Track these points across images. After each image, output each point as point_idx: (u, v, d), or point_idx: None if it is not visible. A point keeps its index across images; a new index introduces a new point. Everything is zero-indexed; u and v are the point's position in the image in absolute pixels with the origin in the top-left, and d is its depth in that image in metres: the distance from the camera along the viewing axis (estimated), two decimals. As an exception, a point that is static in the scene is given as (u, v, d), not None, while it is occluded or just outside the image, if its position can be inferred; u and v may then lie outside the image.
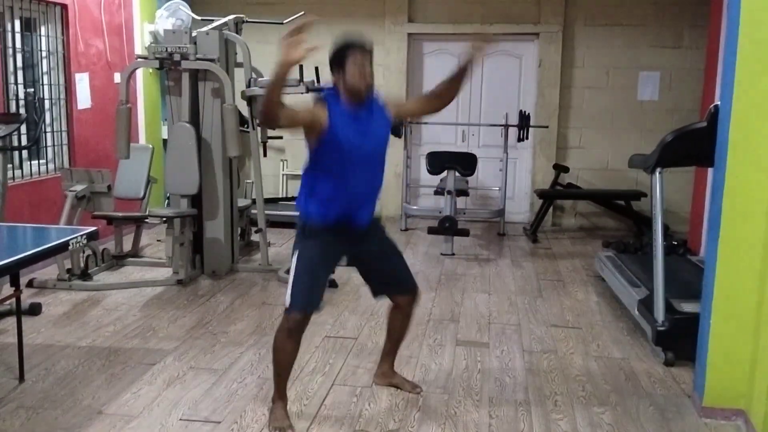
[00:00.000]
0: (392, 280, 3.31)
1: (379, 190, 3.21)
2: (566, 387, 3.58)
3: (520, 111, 7.32)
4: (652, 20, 7.57)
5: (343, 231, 3.07)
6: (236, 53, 5.74)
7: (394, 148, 7.74)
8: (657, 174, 4.01)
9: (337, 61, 3.01)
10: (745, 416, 3.21)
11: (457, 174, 6.78)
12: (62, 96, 6.15)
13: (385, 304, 4.89)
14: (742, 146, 3.11)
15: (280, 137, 7.69)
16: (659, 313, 3.93)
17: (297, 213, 3.14)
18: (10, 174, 5.22)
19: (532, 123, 7.42)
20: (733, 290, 3.19)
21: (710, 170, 4.65)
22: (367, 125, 3.04)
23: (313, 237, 3.05)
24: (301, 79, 5.44)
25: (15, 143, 5.31)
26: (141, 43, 6.98)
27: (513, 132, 7.33)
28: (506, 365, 3.87)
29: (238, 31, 5.79)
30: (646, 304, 4.15)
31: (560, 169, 7.67)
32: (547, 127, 7.70)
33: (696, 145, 3.75)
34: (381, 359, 3.56)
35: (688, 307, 3.94)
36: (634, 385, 3.63)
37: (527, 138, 7.34)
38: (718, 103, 3.37)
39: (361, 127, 3.02)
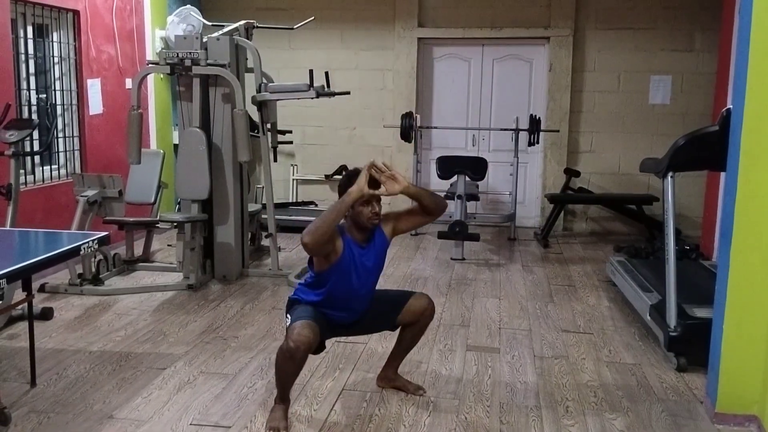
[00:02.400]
0: (391, 307, 3.33)
1: (373, 296, 3.31)
2: (578, 393, 3.56)
3: (531, 115, 7.30)
4: (663, 24, 7.54)
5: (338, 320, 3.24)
6: (247, 58, 5.76)
7: (405, 153, 7.81)
8: (669, 178, 3.99)
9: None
10: (758, 422, 3.18)
11: (467, 178, 6.77)
12: (74, 102, 6.19)
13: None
14: (754, 150, 3.08)
15: (290, 142, 7.74)
16: (671, 318, 3.91)
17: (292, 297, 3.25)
18: (22, 179, 5.26)
19: (542, 127, 7.41)
20: (746, 295, 3.16)
21: (722, 174, 4.62)
22: (368, 261, 3.16)
23: (309, 305, 3.15)
24: (311, 84, 5.46)
25: (27, 149, 5.35)
26: (152, 48, 7.02)
27: (524, 136, 7.31)
28: (517, 371, 3.85)
29: (248, 36, 5.81)
30: (658, 310, 4.12)
31: (571, 173, 7.64)
32: (557, 131, 7.69)
33: (708, 149, 3.72)
34: (386, 364, 3.57)
35: (700, 312, 3.91)
36: (646, 390, 3.60)
37: (538, 142, 7.33)
38: (731, 106, 3.34)
39: (364, 264, 3.14)
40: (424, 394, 3.47)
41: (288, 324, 3.07)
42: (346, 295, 3.16)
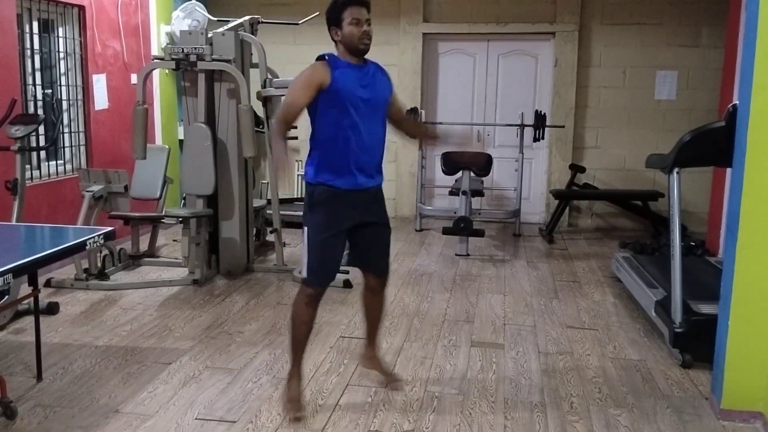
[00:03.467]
0: (374, 257, 3.31)
1: (383, 150, 3.22)
2: (582, 389, 3.56)
3: (536, 111, 7.29)
4: (669, 19, 7.51)
5: (350, 197, 3.08)
6: (252, 54, 5.76)
7: (409, 149, 7.80)
8: (674, 174, 3.98)
9: (334, 17, 3.06)
10: (763, 419, 3.18)
11: (472, 174, 6.76)
12: (79, 97, 6.20)
13: (400, 304, 4.90)
14: (760, 146, 3.07)
15: (295, 137, 7.73)
16: (677, 314, 3.90)
17: (306, 183, 3.20)
18: (28, 174, 5.27)
19: (548, 123, 7.38)
20: (752, 291, 3.15)
21: (728, 170, 4.61)
22: (368, 80, 3.09)
23: (322, 207, 3.08)
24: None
25: (33, 144, 5.37)
26: (157, 44, 7.03)
27: (529, 132, 7.29)
28: (522, 366, 3.85)
29: (253, 31, 5.81)
30: (664, 306, 4.12)
31: (576, 169, 7.62)
32: (563, 126, 7.67)
33: (714, 145, 3.71)
34: (365, 343, 3.60)
35: (706, 308, 3.90)
36: (651, 387, 3.60)
37: (543, 138, 7.31)
38: (737, 102, 3.33)
39: (363, 82, 3.07)
40: (401, 387, 3.48)
41: (305, 258, 3.09)
42: (351, 123, 3.02)
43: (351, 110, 3.01)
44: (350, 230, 3.20)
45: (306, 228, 3.11)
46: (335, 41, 3.10)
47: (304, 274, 3.13)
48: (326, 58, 3.08)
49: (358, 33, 3.02)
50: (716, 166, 5.60)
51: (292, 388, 3.23)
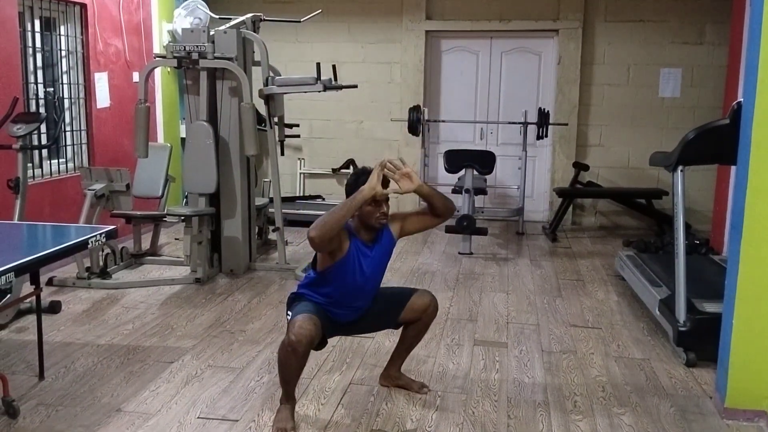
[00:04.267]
0: (394, 305, 3.30)
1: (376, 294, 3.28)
2: (586, 388, 3.55)
3: (540, 108, 7.27)
4: (673, 16, 7.48)
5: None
6: (254, 52, 5.74)
7: (412, 147, 7.79)
8: (679, 172, 3.96)
9: (354, 191, 3.01)
10: (767, 418, 3.17)
11: (475, 172, 6.74)
12: (81, 95, 6.19)
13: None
14: (765, 144, 3.06)
15: (297, 136, 7.73)
16: (681, 313, 3.89)
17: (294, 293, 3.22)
18: (30, 173, 5.27)
19: (551, 120, 7.37)
20: (757, 290, 3.14)
21: (733, 168, 4.59)
22: (374, 261, 3.12)
23: (312, 302, 3.13)
24: (319, 78, 5.45)
25: (35, 142, 5.36)
26: (159, 42, 7.02)
27: (532, 130, 7.27)
28: (525, 365, 3.83)
29: (255, 29, 5.80)
30: (668, 304, 4.10)
31: (580, 167, 7.61)
32: (566, 124, 7.65)
33: (718, 143, 3.69)
34: (389, 362, 3.52)
35: (710, 307, 3.88)
36: (654, 385, 3.58)
37: (546, 136, 7.29)
38: (741, 100, 3.31)
39: (368, 264, 3.10)
40: (429, 392, 3.45)
41: (289, 319, 3.05)
42: (348, 294, 3.13)
43: (351, 285, 3.10)
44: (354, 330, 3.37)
45: (290, 312, 3.10)
46: (353, 215, 3.04)
47: (290, 318, 3.04)
48: (347, 228, 3.08)
49: (375, 212, 3.03)
50: (720, 164, 5.57)
51: (284, 408, 3.10)
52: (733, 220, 3.29)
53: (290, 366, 2.98)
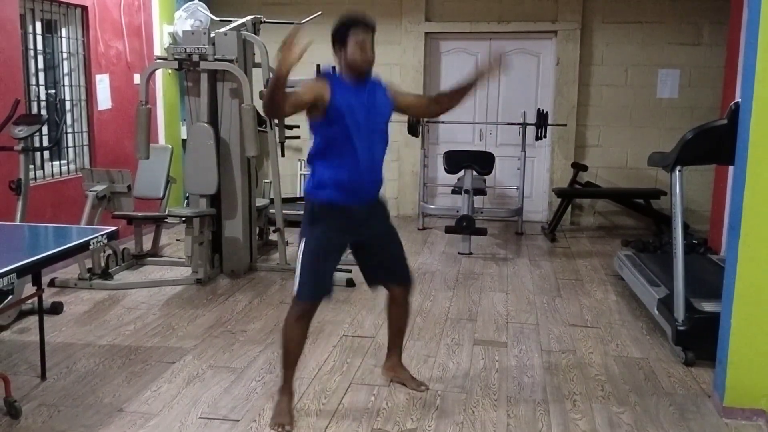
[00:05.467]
0: (389, 269, 3.32)
1: (382, 167, 3.21)
2: (585, 386, 3.57)
3: (538, 109, 7.29)
4: (671, 17, 7.51)
5: (350, 211, 3.08)
6: (254, 53, 5.76)
7: (412, 148, 7.81)
8: (677, 172, 3.98)
9: (339, 38, 3.07)
10: (766, 416, 3.18)
11: (474, 173, 6.76)
12: (83, 97, 6.21)
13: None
14: (762, 144, 3.07)
15: (298, 137, 7.74)
16: (679, 312, 3.90)
17: (305, 199, 3.18)
18: (32, 174, 5.29)
19: (550, 121, 7.39)
20: (755, 289, 3.15)
21: (731, 168, 4.61)
22: (368, 99, 3.08)
23: (321, 222, 3.08)
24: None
25: (37, 144, 5.38)
26: (160, 44, 7.04)
27: (531, 130, 7.29)
28: (524, 364, 3.85)
29: (256, 31, 5.82)
30: (666, 304, 4.12)
31: (579, 167, 7.63)
32: (565, 125, 7.67)
33: (716, 143, 3.71)
34: (388, 352, 3.58)
35: (708, 306, 3.90)
36: (653, 384, 3.60)
37: (545, 136, 7.31)
38: (739, 100, 3.33)
39: (363, 101, 3.06)
40: (427, 390, 3.47)
41: (298, 270, 3.07)
42: (353, 141, 3.02)
43: (350, 129, 3.01)
44: (356, 249, 3.27)
45: (303, 243, 3.10)
46: (338, 60, 3.10)
47: (295, 288, 3.07)
48: (326, 74, 3.11)
49: (361, 55, 3.04)
50: (718, 164, 5.59)
51: (282, 402, 3.14)
52: (731, 220, 3.31)
53: (294, 339, 3.09)
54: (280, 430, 3.04)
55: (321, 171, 3.09)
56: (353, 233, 3.16)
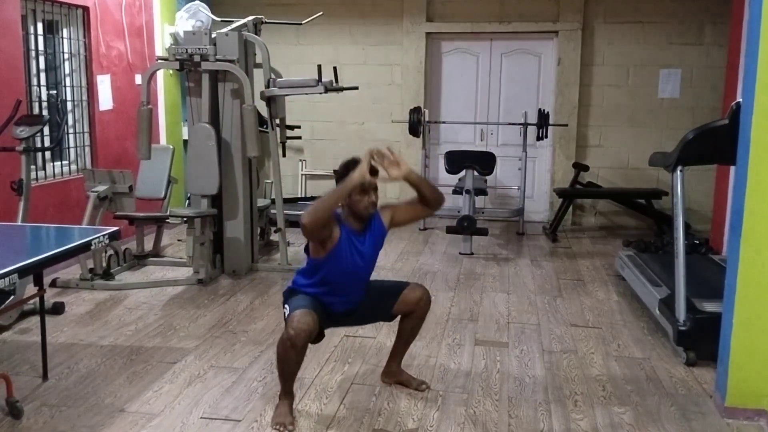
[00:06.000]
0: (387, 297, 3.34)
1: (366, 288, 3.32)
2: (586, 387, 3.57)
3: (539, 109, 7.29)
4: (672, 17, 7.50)
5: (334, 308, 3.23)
6: (255, 54, 5.77)
7: (413, 148, 7.81)
8: (678, 172, 3.98)
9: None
10: (767, 417, 3.17)
11: (475, 173, 6.76)
12: (84, 97, 6.22)
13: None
14: (764, 144, 3.07)
15: (299, 137, 7.76)
16: (681, 312, 3.90)
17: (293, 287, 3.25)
18: (33, 175, 5.30)
19: (551, 121, 7.39)
20: (756, 289, 3.15)
21: (732, 168, 4.60)
22: (364, 249, 3.16)
23: (302, 296, 3.15)
24: (320, 80, 5.47)
25: (38, 144, 5.39)
26: (161, 44, 7.04)
27: (532, 131, 7.29)
28: (526, 365, 3.85)
29: (257, 32, 5.82)
30: (668, 304, 4.12)
31: (580, 167, 7.62)
32: (566, 125, 7.66)
33: (718, 143, 3.71)
34: (389, 358, 3.57)
35: (710, 306, 3.90)
36: (655, 385, 3.60)
37: (546, 137, 7.31)
38: (740, 100, 3.33)
39: (360, 252, 3.14)
40: (429, 390, 3.47)
41: (287, 313, 3.08)
42: (342, 282, 3.16)
43: (345, 273, 3.13)
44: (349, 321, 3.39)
45: (287, 306, 3.12)
46: (342, 204, 3.10)
47: (287, 314, 3.07)
48: (336, 217, 3.12)
49: (363, 202, 3.07)
50: (720, 164, 5.59)
51: (282, 403, 3.17)
52: (733, 220, 3.31)
53: (289, 360, 3.03)
54: (281, 429, 3.04)
55: (313, 282, 3.17)
56: (337, 316, 3.28)
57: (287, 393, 3.16)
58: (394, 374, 3.54)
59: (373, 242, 3.20)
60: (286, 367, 3.07)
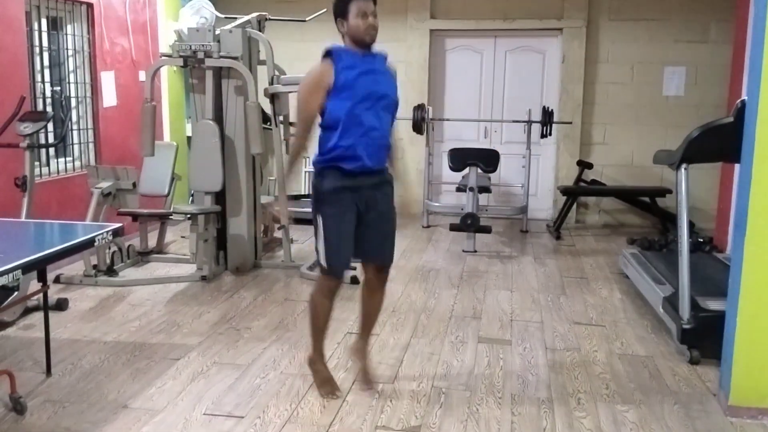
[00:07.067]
0: (373, 246, 3.29)
1: (390, 139, 3.26)
2: (589, 385, 3.56)
3: (544, 107, 7.27)
4: (677, 14, 7.48)
5: (357, 178, 3.12)
6: (259, 51, 5.77)
7: (416, 146, 7.80)
8: (682, 170, 3.96)
9: (340, 10, 3.10)
10: (772, 416, 3.17)
11: (479, 171, 6.75)
12: (88, 94, 6.22)
13: (407, 300, 4.90)
14: (769, 142, 3.06)
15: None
16: (684, 310, 3.89)
17: (314, 167, 3.22)
18: (37, 171, 5.30)
19: (555, 119, 7.37)
20: (760, 287, 3.14)
21: (737, 166, 4.59)
22: (372, 70, 3.14)
23: (331, 193, 3.12)
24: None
25: (42, 141, 5.39)
26: (165, 41, 7.05)
27: (536, 128, 7.28)
28: (529, 363, 3.85)
29: (261, 28, 5.82)
30: (671, 302, 4.11)
31: (584, 165, 7.61)
32: (570, 123, 7.65)
33: (722, 141, 3.70)
34: (358, 335, 3.59)
35: (713, 304, 3.89)
36: (658, 383, 3.60)
37: (550, 134, 7.29)
38: (745, 98, 3.32)
39: (367, 71, 3.11)
40: (375, 393, 3.40)
41: (319, 247, 3.15)
42: (358, 110, 3.06)
43: (356, 98, 3.06)
44: (357, 218, 3.23)
45: (319, 217, 3.15)
46: (341, 33, 3.13)
47: (324, 264, 3.16)
48: (330, 53, 3.12)
49: (363, 25, 3.07)
50: (724, 162, 5.58)
51: (319, 370, 3.37)
52: (737, 218, 3.30)
53: (324, 312, 3.26)
54: (331, 397, 3.25)
55: (327, 138, 3.12)
56: (360, 201, 3.17)
57: (319, 354, 3.35)
58: (358, 354, 3.54)
59: (382, 75, 3.20)
60: (320, 319, 3.28)
